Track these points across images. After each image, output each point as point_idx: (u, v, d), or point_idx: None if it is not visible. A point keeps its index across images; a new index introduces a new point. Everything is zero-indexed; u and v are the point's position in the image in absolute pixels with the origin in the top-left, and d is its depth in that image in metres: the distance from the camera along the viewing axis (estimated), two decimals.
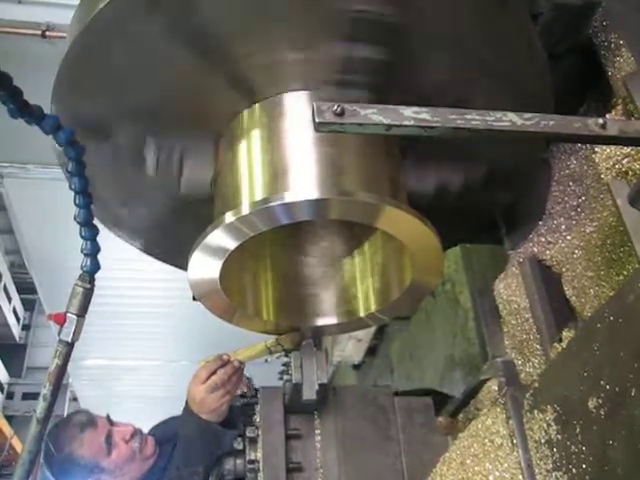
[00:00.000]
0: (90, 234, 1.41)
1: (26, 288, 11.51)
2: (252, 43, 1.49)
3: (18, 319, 13.37)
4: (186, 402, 2.34)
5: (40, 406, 1.39)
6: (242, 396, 2.17)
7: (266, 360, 2.16)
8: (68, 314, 1.41)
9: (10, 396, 13.77)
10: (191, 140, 1.74)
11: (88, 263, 1.42)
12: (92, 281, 1.44)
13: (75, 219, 1.40)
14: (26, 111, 1.23)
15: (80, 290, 1.42)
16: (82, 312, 1.42)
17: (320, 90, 1.59)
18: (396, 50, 1.51)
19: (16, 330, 13.32)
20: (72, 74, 1.51)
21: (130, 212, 1.94)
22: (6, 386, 13.68)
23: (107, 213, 1.91)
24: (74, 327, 1.40)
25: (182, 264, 1.67)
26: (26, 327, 14.11)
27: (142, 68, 1.53)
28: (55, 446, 2.50)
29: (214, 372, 2.23)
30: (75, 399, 11.58)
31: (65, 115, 1.48)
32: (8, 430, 12.22)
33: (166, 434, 2.60)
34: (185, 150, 1.75)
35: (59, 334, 1.40)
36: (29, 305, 13.58)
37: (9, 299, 12.36)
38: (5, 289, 12.01)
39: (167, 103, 1.62)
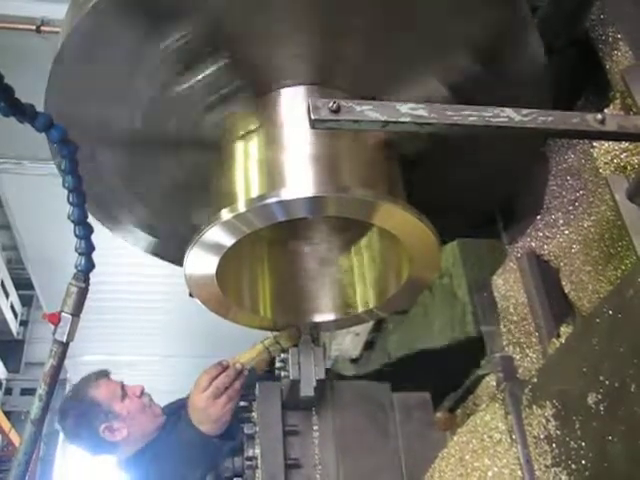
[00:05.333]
0: (84, 233, 1.40)
1: (24, 284, 11.48)
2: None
3: (16, 315, 13.34)
4: (186, 411, 2.32)
5: (35, 406, 1.38)
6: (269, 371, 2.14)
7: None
8: (63, 314, 1.39)
9: (8, 392, 13.77)
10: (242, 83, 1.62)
11: (82, 262, 1.41)
12: (87, 280, 1.42)
13: (69, 217, 1.39)
14: (17, 109, 1.21)
15: (75, 289, 1.41)
16: (77, 311, 1.41)
17: (317, 86, 1.58)
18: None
19: (14, 326, 13.30)
20: None
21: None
22: (4, 382, 13.67)
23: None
24: (69, 327, 1.39)
25: (179, 260, 1.66)
26: (24, 323, 14.09)
27: None
28: (74, 393, 2.72)
29: (215, 378, 2.20)
30: None
31: None
32: (7, 425, 12.23)
33: (171, 409, 2.64)
34: (232, 92, 1.62)
35: (54, 334, 1.39)
36: (27, 301, 13.54)
37: (7, 295, 12.33)
38: (2, 285, 11.99)
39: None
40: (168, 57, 1.50)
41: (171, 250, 2.07)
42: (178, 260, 1.96)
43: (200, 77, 1.55)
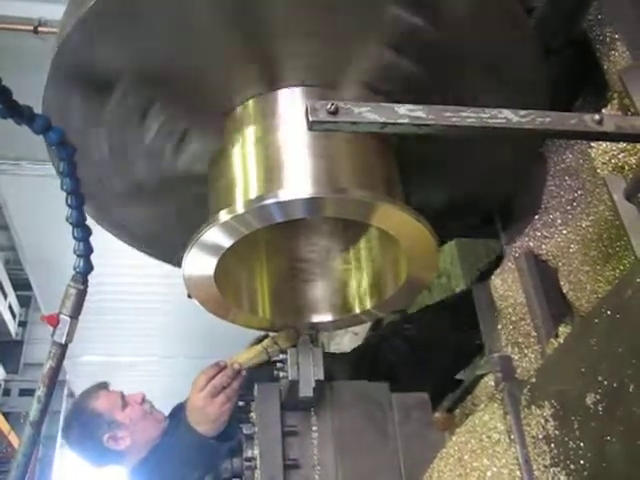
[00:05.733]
0: (83, 235, 1.39)
1: (22, 285, 11.47)
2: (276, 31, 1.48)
3: (14, 315, 13.33)
4: (184, 413, 2.32)
5: (34, 408, 1.38)
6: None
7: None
8: (61, 315, 1.39)
9: (7, 393, 13.76)
10: (197, 115, 1.69)
11: (81, 264, 1.41)
12: (85, 282, 1.42)
13: (67, 220, 1.39)
14: (15, 111, 1.21)
15: (73, 291, 1.41)
16: (75, 313, 1.41)
17: (316, 87, 1.58)
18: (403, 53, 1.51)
19: (12, 326, 13.29)
20: (88, 22, 1.43)
21: (128, 211, 1.93)
22: (3, 383, 13.66)
23: (104, 214, 1.91)
24: (67, 328, 1.39)
25: (177, 262, 1.67)
26: (22, 324, 14.08)
27: (163, 25, 1.46)
28: (75, 406, 2.78)
29: (213, 378, 2.20)
30: (72, 395, 11.57)
31: (75, 62, 1.46)
32: (6, 427, 12.21)
33: (171, 413, 2.65)
34: (190, 125, 1.71)
35: (52, 335, 1.39)
36: (25, 301, 13.53)
37: (5, 296, 12.32)
38: (1, 286, 11.99)
39: (181, 68, 1.55)
40: None
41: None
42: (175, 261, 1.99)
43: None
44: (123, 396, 2.62)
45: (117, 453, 2.53)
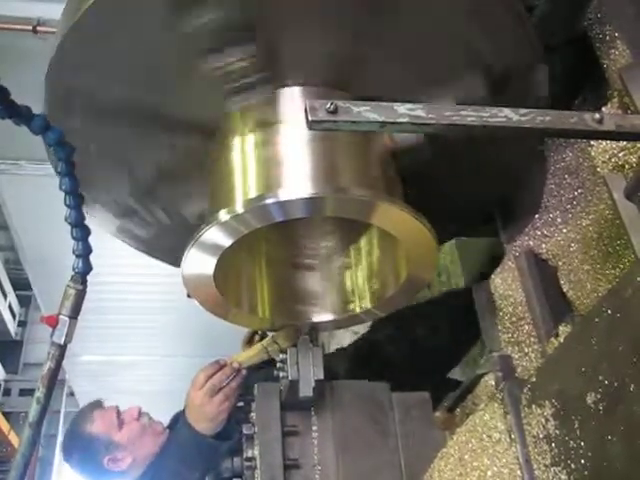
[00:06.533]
0: (81, 235, 1.39)
1: (22, 285, 11.49)
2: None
3: (14, 315, 13.35)
4: (184, 411, 2.31)
5: (33, 409, 1.37)
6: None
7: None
8: (60, 316, 1.39)
9: (7, 393, 13.78)
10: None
11: (80, 264, 1.40)
12: (84, 282, 1.42)
13: (66, 220, 1.39)
14: (14, 111, 1.21)
15: (72, 292, 1.40)
16: (75, 314, 1.40)
17: (316, 87, 1.58)
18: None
19: (12, 326, 13.31)
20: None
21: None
22: (3, 383, 13.69)
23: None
24: (66, 329, 1.39)
25: (176, 261, 1.66)
26: (22, 323, 14.10)
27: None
28: (71, 430, 2.68)
29: (212, 376, 2.20)
30: (72, 394, 11.59)
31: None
32: (6, 427, 12.23)
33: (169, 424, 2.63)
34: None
35: (52, 336, 1.39)
36: (25, 301, 13.55)
37: (5, 295, 12.34)
38: (0, 286, 12.00)
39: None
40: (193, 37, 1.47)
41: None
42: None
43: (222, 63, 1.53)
44: (119, 413, 2.57)
45: (120, 473, 2.51)
